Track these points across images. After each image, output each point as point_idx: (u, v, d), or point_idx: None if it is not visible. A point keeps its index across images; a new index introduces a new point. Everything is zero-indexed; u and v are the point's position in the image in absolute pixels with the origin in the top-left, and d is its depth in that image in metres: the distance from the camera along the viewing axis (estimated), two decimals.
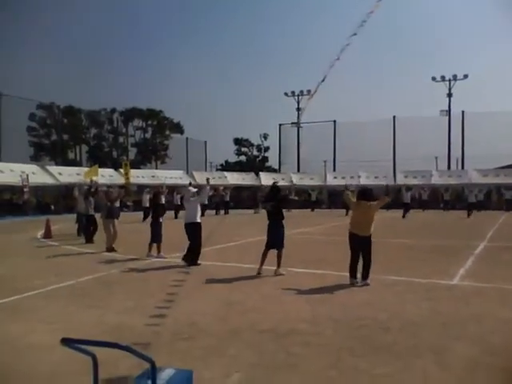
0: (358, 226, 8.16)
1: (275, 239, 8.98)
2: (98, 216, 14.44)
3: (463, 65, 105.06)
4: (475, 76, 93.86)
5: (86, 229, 15.13)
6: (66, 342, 2.43)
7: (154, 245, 11.39)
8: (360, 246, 8.08)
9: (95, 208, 15.12)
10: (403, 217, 26.55)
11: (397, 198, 27.86)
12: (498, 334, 5.28)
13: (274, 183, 9.68)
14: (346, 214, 29.89)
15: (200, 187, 11.57)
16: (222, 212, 32.09)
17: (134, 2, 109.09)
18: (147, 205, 23.71)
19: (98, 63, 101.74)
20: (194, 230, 10.11)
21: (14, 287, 7.84)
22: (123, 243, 12.99)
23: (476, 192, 32.15)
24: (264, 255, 8.98)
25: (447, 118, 45.77)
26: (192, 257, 10.03)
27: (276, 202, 9.12)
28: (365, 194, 8.43)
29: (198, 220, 10.19)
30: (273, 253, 8.99)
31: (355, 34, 23.58)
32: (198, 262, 10.07)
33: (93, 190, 15.73)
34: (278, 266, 8.94)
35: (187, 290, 7.66)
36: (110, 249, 12.47)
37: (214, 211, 31.66)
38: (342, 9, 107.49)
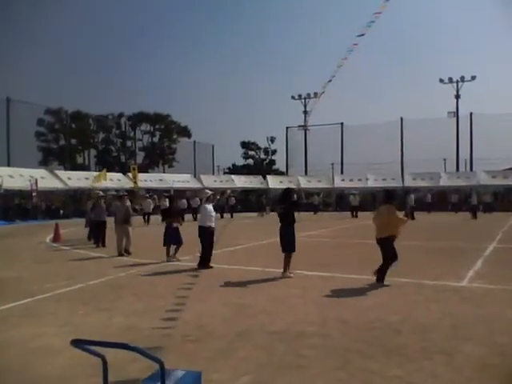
0: (376, 229, 8.29)
1: (285, 242, 9.00)
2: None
3: (471, 66, 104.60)
4: (483, 77, 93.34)
5: (101, 233, 14.98)
6: (76, 343, 2.45)
7: (173, 247, 11.38)
8: (380, 248, 8.19)
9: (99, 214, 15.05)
10: (412, 219, 26.38)
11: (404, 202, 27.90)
12: (507, 334, 5.25)
13: (288, 188, 9.71)
14: (352, 216, 29.90)
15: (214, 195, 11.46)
16: (229, 216, 32.12)
17: (141, 7, 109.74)
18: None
19: (105, 68, 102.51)
20: (200, 234, 10.10)
21: (24, 291, 7.89)
22: (132, 247, 13.02)
23: (480, 194, 32.10)
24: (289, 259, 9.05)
25: (455, 119, 45.59)
26: (201, 260, 10.10)
27: (288, 205, 9.13)
28: (386, 196, 8.58)
29: (206, 224, 10.08)
30: (281, 255, 9.00)
31: (363, 35, 23.59)
32: (211, 264, 10.08)
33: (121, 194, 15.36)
34: (285, 268, 8.96)
35: (196, 292, 7.67)
36: (122, 253, 12.45)
37: (219, 215, 31.69)
38: (349, 11, 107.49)
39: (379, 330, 5.47)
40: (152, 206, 26.43)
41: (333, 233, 19.52)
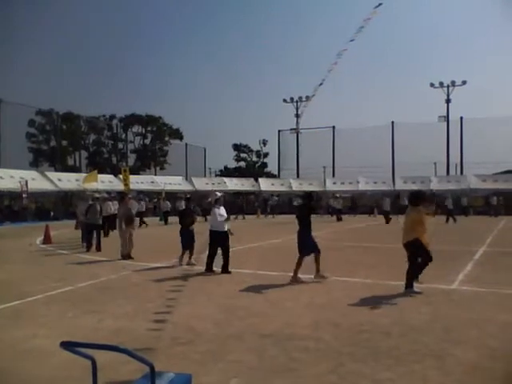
0: (402, 233, 7.94)
1: (300, 245, 8.81)
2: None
3: (462, 71, 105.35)
4: (474, 82, 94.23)
5: (97, 237, 14.26)
6: (66, 345, 2.43)
7: (187, 252, 11.04)
8: (407, 253, 7.87)
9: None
10: (386, 223, 26.16)
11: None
12: (497, 338, 5.27)
13: (309, 191, 9.51)
14: (338, 220, 29.76)
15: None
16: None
17: (134, 8, 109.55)
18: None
19: (97, 69, 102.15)
20: (212, 239, 9.81)
21: (14, 293, 7.83)
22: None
23: (455, 198, 32.11)
24: (314, 262, 8.84)
25: (446, 123, 45.90)
26: (223, 266, 9.77)
27: (307, 209, 9.07)
28: (410, 198, 8.20)
29: (218, 228, 9.75)
30: (284, 258, 9.00)
31: (353, 40, 23.79)
32: (213, 268, 9.79)
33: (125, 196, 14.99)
34: (296, 273, 8.72)
35: (187, 294, 7.65)
36: (126, 256, 12.08)
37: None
38: (340, 17, 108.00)
39: (370, 332, 5.48)
40: (136, 208, 25.72)
41: (327, 235, 19.54)
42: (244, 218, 32.89)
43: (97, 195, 16.82)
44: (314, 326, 5.78)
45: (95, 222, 14.29)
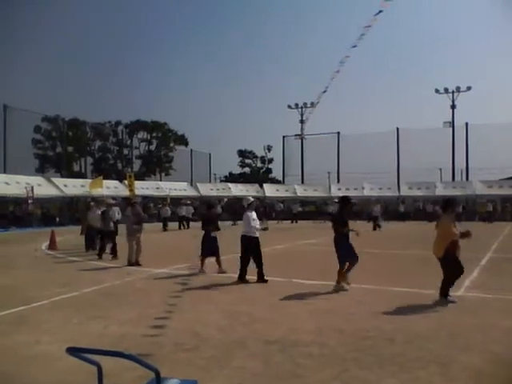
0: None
1: (341, 253, 8.51)
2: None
3: (467, 77, 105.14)
4: (479, 88, 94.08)
5: (112, 243, 13.91)
6: (72, 350, 2.44)
7: (209, 260, 10.68)
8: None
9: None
10: (374, 229, 25.37)
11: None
12: (502, 344, 5.25)
13: (344, 196, 9.29)
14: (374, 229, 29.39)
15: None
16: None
17: (139, 15, 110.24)
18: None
19: (102, 76, 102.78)
20: (244, 245, 9.45)
21: (19, 298, 7.86)
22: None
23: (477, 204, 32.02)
24: (347, 269, 8.55)
25: (451, 129, 45.82)
26: (258, 274, 9.40)
27: (343, 215, 8.79)
28: (442, 205, 7.97)
29: (250, 233, 9.40)
30: (288, 264, 8.98)
31: (355, 46, 23.86)
32: (248, 277, 9.38)
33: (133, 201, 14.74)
34: (342, 279, 8.47)
35: (190, 300, 7.66)
36: (135, 263, 11.92)
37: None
38: (343, 23, 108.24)
39: (375, 339, 5.47)
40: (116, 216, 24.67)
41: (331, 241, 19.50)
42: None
43: (111, 201, 16.44)
44: (318, 332, 5.77)
45: (108, 229, 14.06)
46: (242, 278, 9.33)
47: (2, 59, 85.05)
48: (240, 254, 9.48)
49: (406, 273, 10.56)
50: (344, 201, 9.02)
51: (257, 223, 9.57)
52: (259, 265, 9.35)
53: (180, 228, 28.52)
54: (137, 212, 12.61)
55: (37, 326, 6.23)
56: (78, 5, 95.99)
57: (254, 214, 9.65)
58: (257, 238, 9.46)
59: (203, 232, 10.86)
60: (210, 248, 10.56)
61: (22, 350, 5.19)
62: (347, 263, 8.46)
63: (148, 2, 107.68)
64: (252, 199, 10.15)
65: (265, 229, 20.88)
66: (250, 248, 9.35)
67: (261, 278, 9.28)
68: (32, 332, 5.92)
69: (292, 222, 36.33)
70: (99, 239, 14.75)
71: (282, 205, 42.84)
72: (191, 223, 29.25)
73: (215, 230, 10.81)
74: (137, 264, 11.86)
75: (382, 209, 28.17)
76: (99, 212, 15.02)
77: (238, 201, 41.44)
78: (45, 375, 4.47)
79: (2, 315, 6.79)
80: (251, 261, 9.37)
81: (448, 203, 7.85)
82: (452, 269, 7.43)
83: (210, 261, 10.62)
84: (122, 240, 13.00)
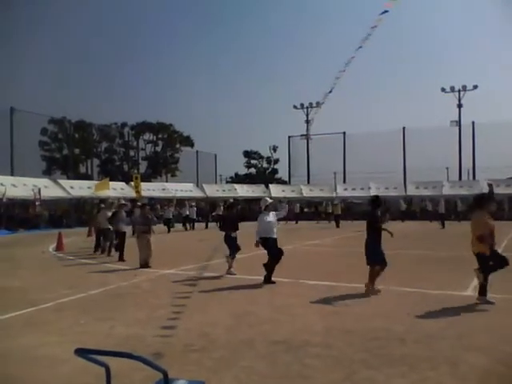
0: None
1: (369, 253, 8.22)
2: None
3: (473, 75, 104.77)
4: (485, 86, 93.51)
5: (119, 245, 13.86)
6: (80, 352, 2.43)
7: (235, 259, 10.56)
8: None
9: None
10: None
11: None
12: (511, 343, 5.21)
13: (376, 195, 9.03)
14: (337, 227, 29.24)
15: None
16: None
17: (144, 17, 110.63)
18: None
19: (108, 78, 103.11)
20: (264, 246, 9.34)
21: (27, 300, 7.89)
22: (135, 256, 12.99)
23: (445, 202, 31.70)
24: (375, 274, 8.21)
25: (457, 128, 45.61)
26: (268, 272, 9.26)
27: (378, 215, 8.47)
28: (476, 201, 7.61)
29: (268, 235, 9.29)
30: (295, 265, 8.95)
31: (360, 47, 23.82)
32: (272, 279, 9.17)
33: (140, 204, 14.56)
34: (371, 283, 8.16)
35: (197, 301, 7.65)
36: (144, 265, 11.79)
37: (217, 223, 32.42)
38: (349, 22, 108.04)
39: (383, 339, 5.44)
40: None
41: (335, 242, 19.48)
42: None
43: (123, 201, 16.36)
44: (326, 333, 5.75)
45: (119, 230, 13.98)
46: (268, 280, 9.15)
47: (8, 62, 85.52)
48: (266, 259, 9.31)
49: (412, 273, 10.50)
50: (377, 201, 8.68)
51: (274, 224, 9.40)
52: (273, 265, 9.20)
53: (186, 229, 28.62)
54: (146, 214, 12.58)
55: (44, 327, 6.25)
56: (83, 6, 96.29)
57: (270, 215, 9.50)
58: (274, 238, 9.31)
59: (223, 234, 10.69)
60: (231, 248, 10.47)
61: (29, 352, 5.20)
62: (377, 266, 8.18)
63: (155, 3, 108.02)
64: (270, 200, 9.92)
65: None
66: (268, 248, 9.24)
67: (268, 279, 9.16)
68: (39, 333, 5.93)
69: (296, 223, 36.27)
70: (105, 240, 14.82)
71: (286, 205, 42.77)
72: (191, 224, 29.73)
73: (234, 231, 10.59)
74: (146, 266, 11.73)
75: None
76: (109, 214, 15.06)
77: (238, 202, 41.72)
78: (52, 377, 4.47)
79: (9, 317, 6.82)
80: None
81: (482, 199, 7.57)
82: (488, 264, 7.18)
83: (215, 262, 10.61)
84: (131, 242, 13.04)
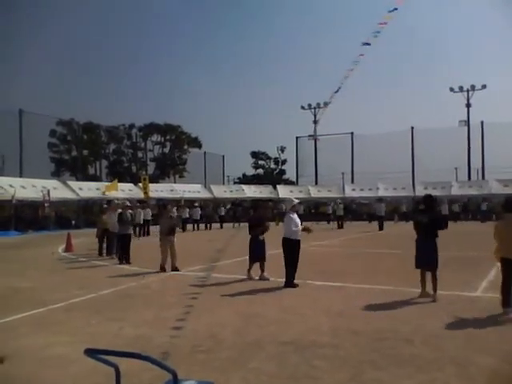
0: (497, 245, 6.95)
1: (426, 257, 7.83)
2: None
3: (481, 75, 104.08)
4: (494, 86, 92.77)
5: (126, 247, 13.47)
6: (90, 352, 2.47)
7: (256, 265, 10.07)
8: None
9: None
10: (380, 230, 25.27)
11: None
12: None
13: (430, 194, 8.68)
14: (339, 227, 28.92)
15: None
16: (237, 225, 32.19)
17: (151, 17, 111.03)
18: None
19: (115, 79, 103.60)
20: (286, 248, 9.08)
21: (37, 300, 7.96)
22: (141, 257, 13.06)
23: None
24: (422, 277, 7.89)
25: (466, 128, 45.33)
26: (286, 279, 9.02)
27: (434, 215, 8.15)
28: (506, 204, 7.12)
29: (292, 236, 9.05)
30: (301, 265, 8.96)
31: (369, 44, 23.74)
32: (295, 282, 8.93)
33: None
34: (434, 290, 7.67)
35: (206, 302, 7.69)
36: (173, 268, 11.32)
37: (232, 224, 32.66)
38: (357, 20, 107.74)
39: (391, 340, 5.44)
40: (142, 216, 23.83)
41: (343, 242, 19.45)
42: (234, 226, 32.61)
43: (127, 203, 16.09)
44: (333, 334, 5.76)
45: (125, 232, 13.66)
46: (290, 283, 8.91)
47: (17, 64, 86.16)
48: (284, 259, 9.11)
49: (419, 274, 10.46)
50: (433, 199, 8.30)
51: (299, 226, 9.22)
52: (293, 268, 9.00)
53: (184, 231, 28.18)
54: (169, 216, 12.23)
55: (54, 327, 6.31)
56: (92, 9, 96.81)
57: (296, 217, 9.29)
58: (298, 240, 9.14)
59: (250, 236, 10.25)
60: (258, 253, 9.98)
61: (39, 352, 5.26)
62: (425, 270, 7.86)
63: (161, 5, 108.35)
64: (296, 201, 9.70)
65: None
66: (290, 251, 9.00)
67: (289, 283, 8.90)
68: (50, 333, 5.99)
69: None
70: (116, 242, 14.73)
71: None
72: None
73: (263, 233, 10.11)
74: (174, 269, 11.25)
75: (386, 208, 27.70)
76: (115, 215, 14.92)
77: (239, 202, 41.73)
78: (62, 377, 4.52)
79: (20, 317, 6.88)
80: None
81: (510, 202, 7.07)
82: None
83: (223, 263, 10.62)
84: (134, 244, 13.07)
